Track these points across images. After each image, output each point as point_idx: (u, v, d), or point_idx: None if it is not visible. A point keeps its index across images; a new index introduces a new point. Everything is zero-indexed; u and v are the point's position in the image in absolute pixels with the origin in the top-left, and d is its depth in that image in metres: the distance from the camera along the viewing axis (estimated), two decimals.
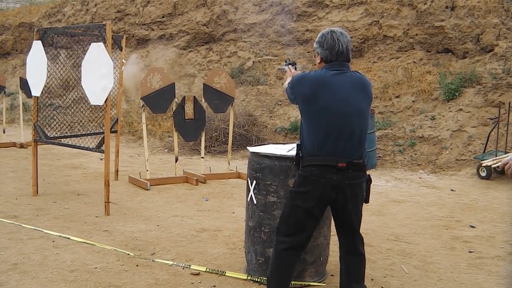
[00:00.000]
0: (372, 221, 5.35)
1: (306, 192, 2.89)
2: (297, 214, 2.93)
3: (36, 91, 5.98)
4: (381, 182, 7.31)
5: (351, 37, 10.97)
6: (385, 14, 10.77)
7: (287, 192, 3.24)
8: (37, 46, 5.94)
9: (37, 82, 5.94)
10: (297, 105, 3.04)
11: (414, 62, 10.17)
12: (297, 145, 3.01)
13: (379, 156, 8.55)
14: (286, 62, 3.79)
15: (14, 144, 10.03)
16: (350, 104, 2.88)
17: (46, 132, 6.18)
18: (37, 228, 4.86)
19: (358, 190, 2.95)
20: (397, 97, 9.75)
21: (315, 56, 3.08)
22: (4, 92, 10.69)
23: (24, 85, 8.72)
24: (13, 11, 17.54)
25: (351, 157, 2.86)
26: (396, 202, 6.26)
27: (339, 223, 3.06)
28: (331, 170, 2.83)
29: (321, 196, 2.86)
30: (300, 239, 2.97)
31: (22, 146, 9.86)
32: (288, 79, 3.37)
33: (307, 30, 11.56)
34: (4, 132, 10.58)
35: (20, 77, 10.34)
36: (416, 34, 10.35)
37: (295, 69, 3.68)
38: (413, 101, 9.54)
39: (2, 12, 17.65)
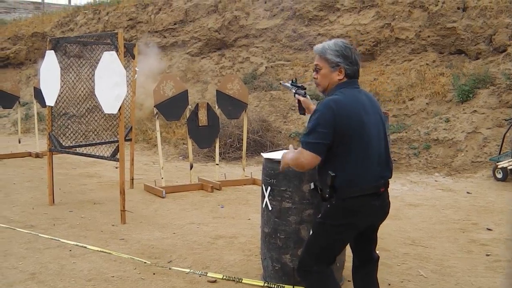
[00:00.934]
0: (388, 225, 5.33)
1: (348, 225, 2.65)
2: (337, 246, 2.76)
3: (50, 100, 6.06)
4: (396, 186, 7.28)
5: (363, 40, 11.17)
6: (396, 17, 10.75)
7: (313, 217, 3.23)
8: (50, 55, 6.02)
9: (51, 91, 6.02)
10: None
11: (427, 64, 10.13)
12: (331, 176, 2.56)
13: (394, 160, 8.52)
14: (292, 81, 3.47)
15: (29, 154, 10.17)
16: (378, 124, 2.69)
17: (61, 142, 6.25)
18: (54, 238, 4.92)
19: (389, 207, 2.82)
20: (410, 99, 9.72)
21: (331, 69, 2.68)
22: (19, 102, 10.84)
23: (38, 95, 8.85)
24: (26, 21, 17.78)
25: (385, 178, 2.71)
26: (412, 206, 6.23)
27: (364, 238, 2.89)
28: (373, 197, 2.64)
29: (362, 224, 2.70)
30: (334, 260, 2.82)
31: (37, 155, 9.99)
32: (289, 152, 2.80)
33: (319, 34, 11.57)
34: (19, 142, 10.71)
35: (34, 87, 10.49)
36: (428, 36, 10.32)
37: (305, 94, 3.37)
38: (427, 103, 9.49)
39: (15, 22, 17.90)
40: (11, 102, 10.50)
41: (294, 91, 3.42)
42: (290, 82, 3.50)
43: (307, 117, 2.94)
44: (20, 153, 10.22)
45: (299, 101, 3.39)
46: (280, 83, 3.88)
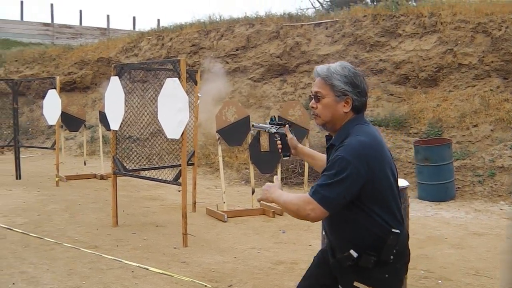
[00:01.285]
0: (451, 255, 5.16)
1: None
2: None
3: (114, 125, 6.32)
4: (460, 214, 7.05)
5: (425, 66, 10.96)
6: (459, 42, 10.51)
7: None
8: (114, 81, 6.29)
9: (115, 116, 6.28)
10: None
11: (491, 90, 9.82)
12: (394, 234, 2.12)
13: (458, 187, 8.25)
14: (272, 119, 2.92)
15: (94, 176, 10.58)
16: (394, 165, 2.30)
17: (125, 165, 6.47)
18: (117, 259, 5.06)
19: None
20: (474, 126, 9.42)
21: (336, 99, 2.22)
22: (85, 125, 11.34)
23: (103, 119, 9.21)
24: (92, 46, 18.63)
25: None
26: (476, 235, 6.00)
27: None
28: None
29: None
30: None
31: (102, 177, 10.37)
32: (285, 195, 2.24)
33: (381, 60, 11.47)
34: (85, 164, 11.17)
35: (99, 111, 10.94)
36: (492, 61, 10.02)
37: (291, 131, 2.81)
38: (491, 130, 9.18)
39: (81, 47, 18.81)
40: (77, 125, 11.01)
41: (274, 130, 2.86)
42: (270, 120, 2.92)
43: None
44: (85, 174, 10.64)
45: (282, 140, 2.80)
46: (252, 125, 3.05)
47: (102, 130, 11.13)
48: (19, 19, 27.85)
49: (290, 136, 2.75)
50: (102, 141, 11.48)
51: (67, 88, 17.02)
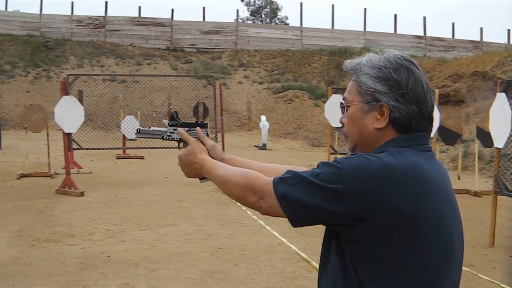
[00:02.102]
0: None
1: None
2: None
3: (499, 143, 6.31)
4: None
5: None
6: None
7: None
8: (501, 98, 6.29)
9: (500, 134, 6.27)
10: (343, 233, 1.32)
11: None
12: None
13: None
14: (174, 118, 1.83)
15: (468, 191, 10.61)
16: (460, 223, 1.44)
17: (507, 185, 6.37)
18: (493, 280, 5.06)
19: None
20: None
21: (364, 106, 1.40)
22: (461, 139, 11.45)
23: (481, 134, 9.19)
24: (466, 59, 18.58)
25: None
26: None
27: None
28: None
29: None
30: None
31: (476, 194, 10.33)
32: (220, 166, 1.60)
33: None
34: (458, 178, 11.32)
35: (476, 126, 10.89)
36: None
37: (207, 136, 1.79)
38: None
39: (456, 61, 18.98)
40: (453, 139, 11.25)
41: (177, 137, 1.81)
42: (170, 120, 1.83)
43: None
44: (458, 189, 10.77)
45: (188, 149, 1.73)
46: (138, 131, 1.89)
47: (478, 146, 11.08)
48: (392, 31, 29.68)
49: (209, 143, 1.75)
50: (477, 157, 11.39)
51: (441, 101, 17.44)
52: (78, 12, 27.90)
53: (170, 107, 20.28)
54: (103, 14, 27.44)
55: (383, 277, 1.27)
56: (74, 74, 14.11)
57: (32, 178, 10.27)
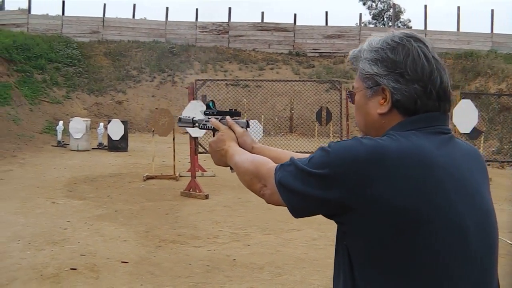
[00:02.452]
0: None
1: None
2: None
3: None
4: None
5: None
6: None
7: None
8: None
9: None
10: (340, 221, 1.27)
11: None
12: None
13: None
14: (210, 107, 1.89)
15: None
16: (491, 222, 1.27)
17: None
18: None
19: None
20: None
21: (363, 92, 1.37)
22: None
23: None
24: None
25: None
26: None
27: None
28: None
29: None
30: None
31: None
32: (241, 153, 1.63)
33: None
34: None
35: None
36: None
37: (248, 126, 1.82)
38: None
39: None
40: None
41: (205, 112, 1.89)
42: (206, 109, 1.90)
43: None
44: None
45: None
46: (179, 119, 2.03)
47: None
48: None
49: (239, 130, 1.78)
50: None
51: None
52: (202, 18, 29.13)
53: (292, 111, 20.42)
54: (227, 20, 28.38)
55: (379, 277, 1.17)
56: (202, 80, 14.71)
57: (157, 180, 10.78)
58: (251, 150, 1.71)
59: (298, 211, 1.30)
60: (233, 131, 1.77)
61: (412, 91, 1.25)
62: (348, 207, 1.17)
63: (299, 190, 1.24)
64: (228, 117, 1.80)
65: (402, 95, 1.26)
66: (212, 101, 1.93)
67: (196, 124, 1.93)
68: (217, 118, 1.83)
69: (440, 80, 1.27)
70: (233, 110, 1.83)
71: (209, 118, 1.86)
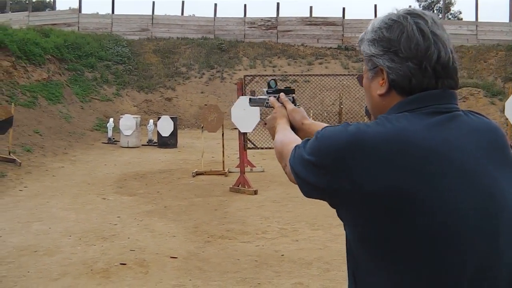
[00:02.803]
0: None
1: None
2: None
3: None
4: None
5: None
6: None
7: None
8: None
9: None
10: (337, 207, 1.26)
11: None
12: None
13: None
14: (270, 87, 1.95)
15: None
16: (496, 209, 1.17)
17: None
18: None
19: None
20: None
21: (366, 75, 1.36)
22: None
23: None
24: None
25: None
26: None
27: None
28: None
29: None
30: None
31: None
32: (282, 130, 1.71)
33: None
34: None
35: None
36: None
37: (294, 102, 1.86)
38: None
39: None
40: None
41: (267, 92, 1.97)
42: (267, 88, 1.97)
43: None
44: None
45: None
46: (250, 100, 2.11)
47: None
48: None
49: (289, 107, 1.83)
50: None
51: None
52: (250, 14, 29.18)
53: (341, 106, 20.20)
54: (275, 16, 28.33)
55: (372, 264, 1.18)
56: (251, 75, 14.71)
57: (206, 176, 10.86)
58: (301, 126, 1.76)
59: (305, 193, 1.30)
60: (285, 108, 1.82)
61: (406, 69, 1.22)
62: (335, 195, 1.20)
63: (301, 175, 1.26)
64: (282, 94, 1.86)
65: (397, 74, 1.24)
66: (274, 79, 1.98)
67: (262, 103, 2.00)
68: (275, 97, 1.89)
69: (437, 55, 1.21)
70: (288, 88, 1.90)
71: (269, 97, 1.92)
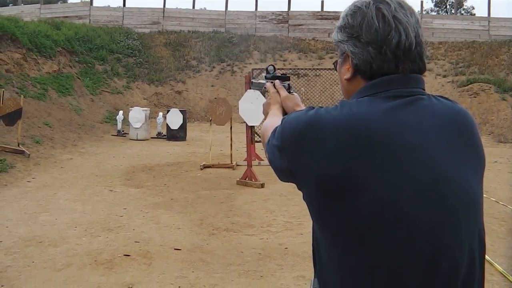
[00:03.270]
0: None
1: None
2: None
3: None
4: None
5: None
6: None
7: None
8: None
9: None
10: (300, 190, 1.31)
11: None
12: None
13: None
14: (269, 72, 1.99)
15: None
16: (450, 189, 1.18)
17: None
18: None
19: None
20: None
21: (338, 61, 1.41)
22: None
23: None
24: None
25: None
26: None
27: None
28: None
29: None
30: None
31: None
32: (271, 115, 1.76)
33: None
34: None
35: None
36: None
37: (289, 89, 1.88)
38: None
39: None
40: None
41: (265, 77, 2.01)
42: (266, 73, 2.00)
43: None
44: None
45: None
46: (251, 83, 2.19)
47: None
48: None
49: (283, 94, 1.85)
50: None
51: None
52: (262, 8, 29.12)
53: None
54: (286, 10, 28.23)
55: (328, 246, 1.23)
56: (258, 69, 14.67)
57: (214, 169, 10.87)
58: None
59: (279, 178, 1.36)
60: (279, 95, 1.84)
61: (367, 54, 1.25)
62: (294, 176, 1.25)
63: (271, 160, 1.33)
64: (277, 81, 1.89)
65: (359, 59, 1.27)
66: (272, 65, 2.02)
67: (261, 87, 2.06)
68: (272, 82, 1.92)
69: (397, 40, 1.22)
70: (284, 75, 1.93)
71: (266, 82, 1.95)
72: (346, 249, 1.18)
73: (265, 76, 1.99)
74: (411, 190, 1.14)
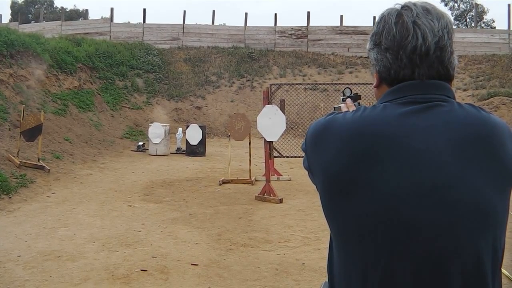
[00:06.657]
0: None
1: None
2: None
3: None
4: None
5: None
6: None
7: None
8: None
9: None
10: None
11: None
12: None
13: None
14: (345, 94, 2.03)
15: None
16: (453, 196, 1.16)
17: None
18: None
19: None
20: None
21: (371, 70, 1.44)
22: None
23: None
24: None
25: None
26: None
27: None
28: None
29: None
30: None
31: None
32: None
33: None
34: None
35: None
36: None
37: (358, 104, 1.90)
38: None
39: None
40: None
41: (342, 99, 2.06)
42: (342, 96, 2.02)
43: None
44: None
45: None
46: (334, 109, 2.07)
47: None
48: None
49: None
50: None
51: None
52: (281, 23, 29.25)
53: None
54: (306, 25, 28.34)
55: (335, 243, 1.31)
56: (277, 84, 14.73)
57: (233, 184, 10.89)
58: None
59: (310, 178, 1.42)
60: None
61: (386, 60, 1.28)
62: (312, 176, 1.35)
63: (304, 166, 1.41)
64: (348, 100, 1.95)
65: (380, 65, 1.31)
66: (348, 87, 2.09)
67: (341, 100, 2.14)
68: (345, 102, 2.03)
69: (414, 44, 1.23)
70: (356, 94, 1.99)
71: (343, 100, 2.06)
72: (347, 249, 1.24)
73: (342, 99, 2.04)
74: (411, 194, 1.15)
